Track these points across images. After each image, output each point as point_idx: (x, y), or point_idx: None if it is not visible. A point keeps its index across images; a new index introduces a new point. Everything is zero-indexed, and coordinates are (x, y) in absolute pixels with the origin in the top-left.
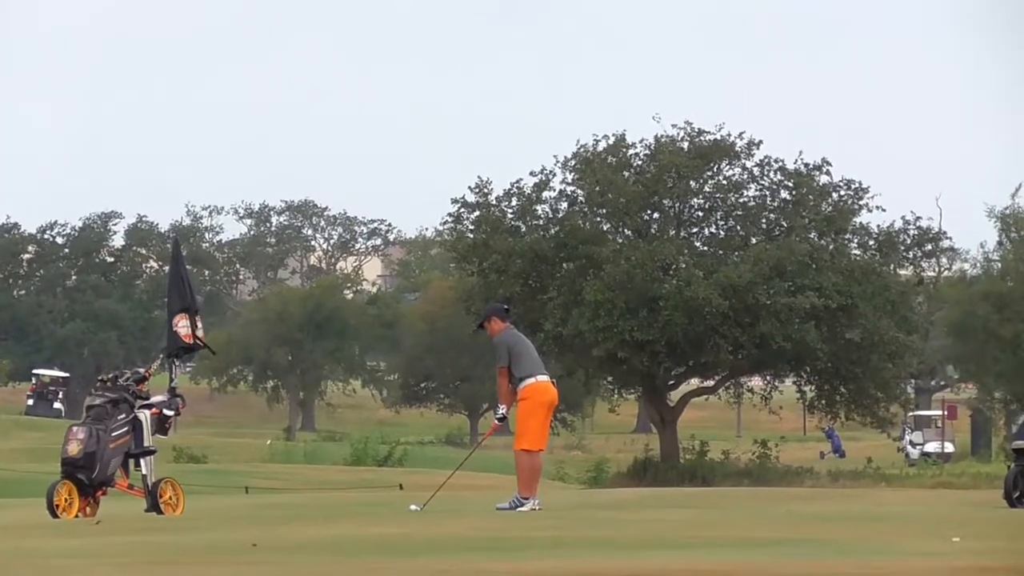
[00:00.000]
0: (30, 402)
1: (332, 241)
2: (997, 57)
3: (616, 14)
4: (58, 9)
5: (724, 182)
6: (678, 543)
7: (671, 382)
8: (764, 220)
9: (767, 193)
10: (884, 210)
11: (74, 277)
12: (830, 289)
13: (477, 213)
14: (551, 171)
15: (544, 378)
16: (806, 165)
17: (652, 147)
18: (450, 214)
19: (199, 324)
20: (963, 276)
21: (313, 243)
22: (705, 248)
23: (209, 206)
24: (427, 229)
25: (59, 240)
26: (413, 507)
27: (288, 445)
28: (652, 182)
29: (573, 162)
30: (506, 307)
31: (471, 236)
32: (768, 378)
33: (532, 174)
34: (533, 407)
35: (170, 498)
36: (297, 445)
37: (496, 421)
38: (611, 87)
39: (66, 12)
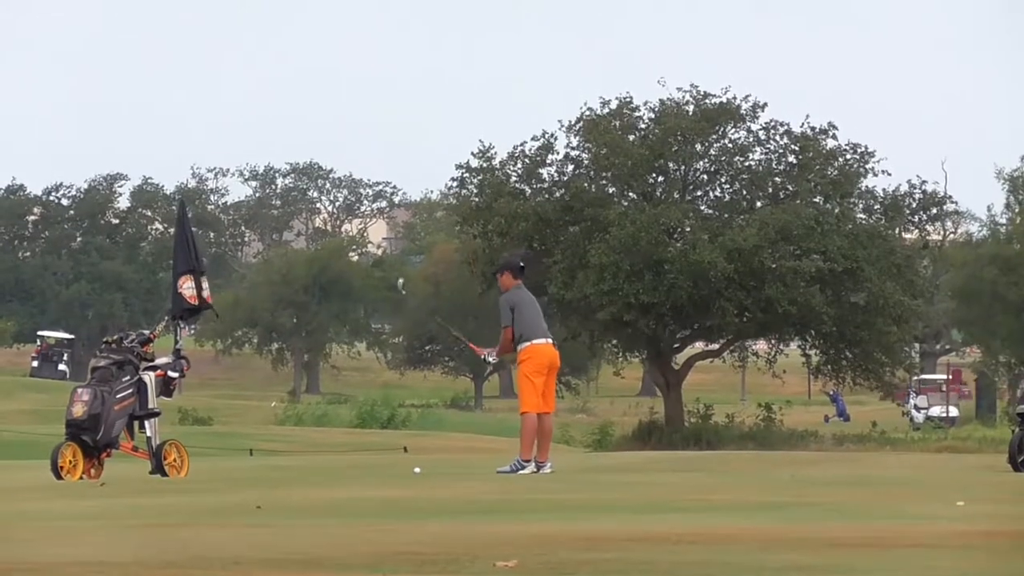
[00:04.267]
0: (35, 364)
1: (337, 203)
2: (1007, 17)
3: None
4: None
5: (729, 145)
6: (682, 507)
7: (676, 345)
8: (770, 184)
9: (773, 157)
10: (890, 174)
11: (79, 239)
12: (835, 253)
13: (481, 177)
14: (553, 135)
15: (542, 341)
16: (812, 129)
17: (657, 110)
18: (454, 178)
19: (205, 286)
20: (969, 239)
21: (318, 205)
22: (710, 211)
23: (214, 168)
24: (432, 192)
25: (64, 202)
26: (417, 470)
27: (298, 408)
28: (657, 145)
29: (578, 126)
30: (522, 264)
31: (475, 200)
32: (773, 342)
33: (535, 138)
34: (533, 370)
35: (174, 460)
36: (306, 408)
37: (485, 358)
38: (617, 53)
39: None
